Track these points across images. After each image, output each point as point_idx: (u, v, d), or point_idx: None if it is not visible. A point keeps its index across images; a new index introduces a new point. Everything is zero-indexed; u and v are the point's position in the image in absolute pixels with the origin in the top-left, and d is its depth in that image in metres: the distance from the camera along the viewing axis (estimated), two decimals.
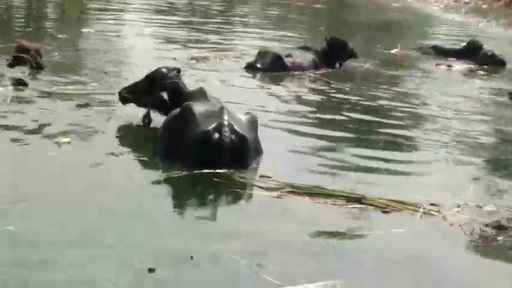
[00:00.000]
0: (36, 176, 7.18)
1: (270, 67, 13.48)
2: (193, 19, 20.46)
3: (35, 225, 6.11)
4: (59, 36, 15.58)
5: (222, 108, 7.93)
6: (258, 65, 13.46)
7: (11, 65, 11.64)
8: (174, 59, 13.56)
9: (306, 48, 14.54)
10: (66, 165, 7.55)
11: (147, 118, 9.16)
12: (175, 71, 9.15)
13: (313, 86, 12.95)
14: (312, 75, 13.63)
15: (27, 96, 10.24)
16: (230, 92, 11.44)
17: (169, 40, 16.33)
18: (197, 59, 13.92)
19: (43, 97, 10.22)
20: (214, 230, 6.34)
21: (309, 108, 11.08)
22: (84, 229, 6.08)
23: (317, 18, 23.72)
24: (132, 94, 9.31)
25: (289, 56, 13.88)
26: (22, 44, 12.10)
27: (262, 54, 13.72)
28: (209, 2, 25.51)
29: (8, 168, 7.34)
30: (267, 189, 7.25)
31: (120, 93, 9.45)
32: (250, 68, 13.49)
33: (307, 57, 14.14)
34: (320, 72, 13.88)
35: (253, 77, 13.24)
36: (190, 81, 9.46)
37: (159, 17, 20.25)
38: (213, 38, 17.16)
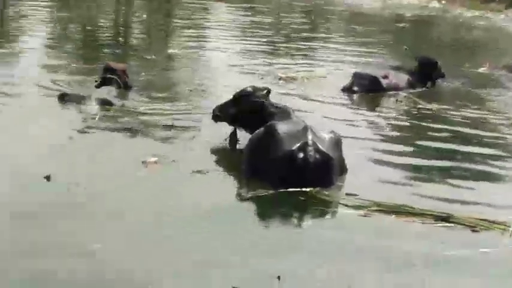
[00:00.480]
0: (126, 196, 7.34)
1: (367, 89, 13.24)
2: (277, 37, 20.55)
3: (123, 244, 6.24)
4: (145, 56, 15.80)
5: (306, 128, 7.98)
6: (355, 88, 13.21)
7: (99, 86, 11.89)
8: (262, 78, 13.62)
9: (398, 68, 14.29)
10: (154, 185, 7.69)
11: (233, 137, 9.23)
12: (265, 91, 9.21)
13: (405, 106, 12.73)
14: (404, 94, 13.39)
15: (113, 116, 10.46)
16: (318, 111, 11.44)
17: (254, 58, 16.42)
18: (285, 79, 13.91)
19: (129, 117, 10.42)
20: (301, 249, 6.35)
21: (398, 129, 10.93)
22: (172, 249, 6.18)
23: (400, 37, 23.52)
24: (222, 113, 9.41)
25: (385, 77, 13.61)
26: (109, 64, 12.33)
27: (358, 76, 13.48)
28: (293, 20, 25.60)
29: (97, 188, 7.49)
30: (353, 207, 7.26)
31: (213, 111, 9.57)
32: (347, 91, 13.24)
33: (402, 78, 13.88)
34: (414, 91, 13.63)
35: (344, 97, 13.07)
36: (279, 102, 9.48)
37: (243, 34, 20.41)
38: (297, 56, 17.18)
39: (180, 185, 7.72)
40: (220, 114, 9.46)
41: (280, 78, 13.90)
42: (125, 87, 12.02)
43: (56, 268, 5.74)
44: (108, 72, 12.02)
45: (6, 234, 6.31)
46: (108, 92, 11.65)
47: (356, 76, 13.49)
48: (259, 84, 10.78)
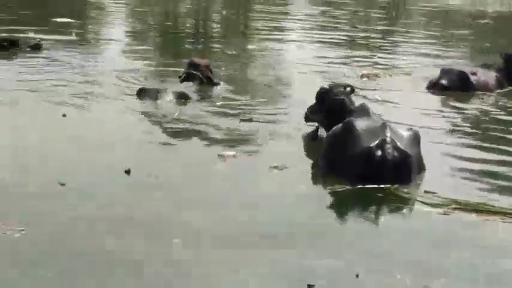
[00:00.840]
0: (203, 188, 7.43)
1: (455, 86, 12.83)
2: (357, 32, 20.44)
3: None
4: (226, 51, 15.89)
5: (384, 125, 7.95)
6: (443, 82, 12.84)
7: (183, 81, 11.99)
8: (344, 75, 13.59)
9: (487, 66, 13.61)
10: (231, 179, 7.77)
11: (314, 133, 9.25)
12: (349, 89, 9.20)
13: (490, 104, 12.38)
14: (491, 93, 13.02)
15: (192, 110, 10.57)
16: (401, 107, 11.38)
17: (334, 53, 16.36)
18: (368, 76, 13.81)
19: (208, 112, 10.53)
20: (378, 247, 6.32)
21: (480, 127, 10.70)
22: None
23: (482, 34, 23.11)
24: (311, 113, 9.49)
25: (474, 73, 13.11)
26: (193, 60, 12.41)
27: (446, 72, 13.10)
28: (373, 15, 25.44)
29: (175, 181, 7.60)
30: (432, 205, 7.21)
31: (305, 112, 9.64)
32: (433, 86, 12.92)
33: (490, 75, 13.31)
34: (501, 91, 13.25)
35: (428, 94, 12.83)
36: (362, 98, 9.46)
37: (323, 29, 20.35)
38: (377, 52, 17.06)
39: (257, 180, 7.76)
40: (310, 114, 9.51)
41: (362, 75, 13.79)
42: (208, 83, 12.07)
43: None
44: (191, 68, 12.10)
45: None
46: (190, 87, 11.73)
47: (443, 72, 13.10)
48: (342, 80, 10.74)
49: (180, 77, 12.15)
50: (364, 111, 8.49)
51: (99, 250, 5.94)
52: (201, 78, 12.01)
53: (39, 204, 6.73)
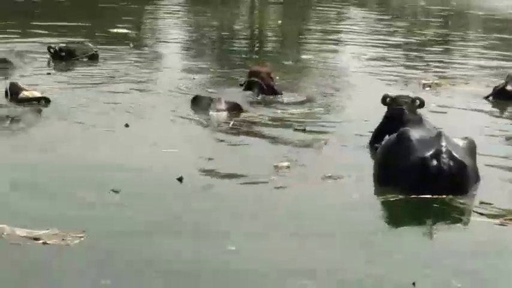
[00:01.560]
0: (257, 198, 7.53)
1: None
2: (414, 42, 20.34)
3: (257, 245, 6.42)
4: (282, 62, 15.94)
5: (439, 134, 7.93)
6: (509, 88, 12.38)
7: (245, 89, 12.02)
8: (405, 84, 13.55)
9: None
10: (285, 189, 7.86)
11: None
12: (418, 102, 9.22)
13: None
14: None
15: (247, 119, 10.69)
16: (461, 117, 11.38)
17: (390, 63, 16.34)
18: (429, 86, 13.63)
19: (262, 121, 10.64)
20: (434, 257, 6.32)
21: None
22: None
23: None
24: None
25: None
26: (254, 68, 12.48)
27: None
28: (429, 24, 25.22)
29: (229, 191, 7.73)
30: (488, 216, 7.19)
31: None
32: (498, 94, 12.52)
33: None
34: None
35: (491, 102, 12.59)
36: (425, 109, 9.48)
37: (379, 39, 20.29)
38: (435, 61, 16.92)
39: (310, 190, 7.84)
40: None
41: (424, 85, 13.66)
42: (269, 91, 12.06)
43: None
44: (253, 76, 12.12)
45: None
46: (248, 96, 11.79)
47: (510, 77, 12.64)
48: (404, 91, 10.72)
49: (241, 85, 12.19)
50: (418, 121, 8.50)
51: (156, 258, 6.05)
52: (262, 86, 11.99)
53: (96, 212, 6.89)
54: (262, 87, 12.00)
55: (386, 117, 9.12)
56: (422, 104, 9.24)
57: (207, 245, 6.29)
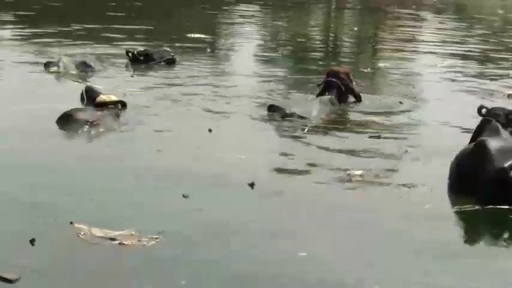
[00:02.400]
0: (330, 208, 7.53)
1: None
2: (493, 50, 20.06)
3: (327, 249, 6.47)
4: (360, 69, 15.85)
5: None
6: None
7: (322, 91, 11.93)
8: (491, 94, 13.40)
9: None
10: (357, 197, 7.92)
11: None
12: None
13: None
14: None
15: (322, 126, 10.78)
16: None
17: (469, 71, 16.15)
18: None
19: (336, 127, 10.70)
20: (506, 271, 6.29)
21: None
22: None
23: None
24: None
25: None
26: (332, 68, 12.38)
27: None
28: (505, 33, 24.87)
29: (305, 199, 7.76)
30: None
31: None
32: None
33: None
34: None
35: None
36: None
37: (456, 47, 20.05)
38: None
39: (383, 198, 7.87)
40: None
41: (509, 95, 13.39)
42: (348, 93, 11.97)
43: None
44: (330, 76, 11.95)
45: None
46: (325, 101, 11.68)
47: None
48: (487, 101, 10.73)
49: (319, 85, 12.10)
50: (495, 131, 8.41)
51: (230, 260, 6.16)
52: (340, 87, 11.85)
53: (170, 214, 7.04)
54: (341, 88, 11.86)
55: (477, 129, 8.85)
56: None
57: (280, 250, 6.34)
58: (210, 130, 9.98)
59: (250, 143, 9.72)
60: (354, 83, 12.20)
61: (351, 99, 12.15)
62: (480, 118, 8.90)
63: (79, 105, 10.81)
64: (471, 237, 7.12)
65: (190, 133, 9.97)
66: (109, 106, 10.86)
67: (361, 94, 12.26)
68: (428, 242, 6.68)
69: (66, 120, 10.00)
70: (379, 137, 10.09)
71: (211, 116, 10.86)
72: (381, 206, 7.59)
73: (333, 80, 11.89)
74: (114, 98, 11.06)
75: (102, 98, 10.97)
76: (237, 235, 6.65)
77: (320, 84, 12.10)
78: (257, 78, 14.39)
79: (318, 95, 11.95)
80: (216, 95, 12.37)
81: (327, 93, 11.85)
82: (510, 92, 13.59)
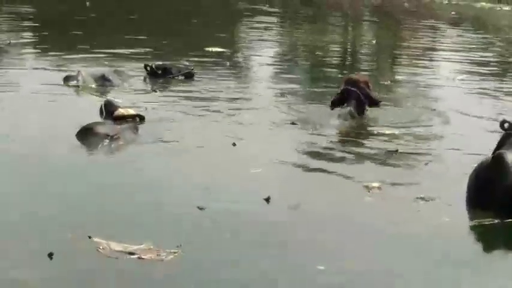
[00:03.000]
0: (347, 221, 7.57)
1: None
2: (509, 60, 20.00)
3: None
4: (381, 82, 15.84)
5: None
6: None
7: (338, 101, 11.84)
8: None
9: None
10: (374, 210, 7.93)
11: None
12: None
13: None
14: None
15: (341, 138, 10.88)
16: None
17: (489, 86, 16.05)
18: None
19: (358, 142, 10.80)
20: None
21: None
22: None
23: None
24: None
25: None
26: (350, 77, 12.29)
27: None
28: None
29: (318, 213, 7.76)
30: None
31: None
32: None
33: None
34: None
35: None
36: None
37: (474, 58, 20.01)
38: None
39: (400, 211, 7.87)
40: None
41: None
42: (367, 102, 11.87)
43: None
44: (349, 85, 11.83)
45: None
46: (343, 114, 11.68)
47: None
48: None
49: (338, 94, 11.95)
50: None
51: (247, 276, 6.19)
52: (359, 96, 11.75)
53: (187, 228, 7.09)
54: (359, 97, 11.74)
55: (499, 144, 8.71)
56: None
57: (298, 264, 6.37)
58: (234, 144, 10.01)
59: (270, 157, 9.67)
60: (373, 90, 12.14)
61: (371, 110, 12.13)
62: (503, 132, 8.76)
63: (98, 118, 10.86)
64: (489, 252, 7.09)
65: (211, 147, 10.01)
66: (127, 120, 10.91)
67: (381, 104, 12.20)
68: (445, 257, 6.69)
69: (86, 134, 10.05)
70: (396, 151, 10.07)
71: (232, 130, 10.87)
72: (395, 219, 7.60)
73: (352, 89, 11.75)
74: (132, 111, 11.12)
75: (121, 111, 11.03)
76: (253, 250, 6.69)
77: (339, 94, 11.94)
78: (276, 90, 14.41)
79: (332, 103, 11.80)
80: (236, 109, 12.41)
81: (345, 104, 11.78)
82: None
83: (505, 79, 17.24)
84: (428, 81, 16.59)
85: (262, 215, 7.54)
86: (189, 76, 14.92)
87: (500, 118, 9.36)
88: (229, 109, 12.33)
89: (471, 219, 7.73)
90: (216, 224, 7.19)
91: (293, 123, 11.23)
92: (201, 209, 7.48)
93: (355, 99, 11.74)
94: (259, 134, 10.92)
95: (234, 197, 7.97)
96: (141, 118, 11.05)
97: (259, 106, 12.66)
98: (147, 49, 18.37)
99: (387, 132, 11.24)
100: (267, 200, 7.83)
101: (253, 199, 7.89)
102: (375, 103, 12.00)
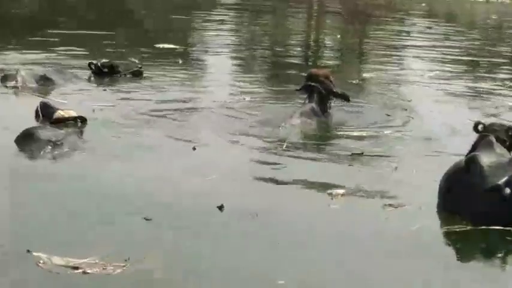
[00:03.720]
0: (308, 231, 7.56)
1: None
2: (483, 54, 20.13)
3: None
4: (347, 80, 15.86)
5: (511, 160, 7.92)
6: None
7: (299, 90, 12.04)
8: (496, 107, 13.50)
9: None
10: (338, 219, 7.93)
11: None
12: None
13: None
14: None
15: (303, 142, 10.91)
16: None
17: (461, 82, 16.37)
18: None
19: (320, 144, 10.88)
20: None
21: None
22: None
23: None
24: None
25: None
26: (312, 71, 12.45)
27: None
28: (499, 40, 25.05)
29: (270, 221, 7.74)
30: None
31: None
32: None
33: None
34: None
35: None
36: None
37: (443, 57, 20.18)
38: (508, 79, 16.80)
39: (368, 219, 7.89)
40: None
41: None
42: (330, 96, 12.00)
43: None
44: (310, 80, 12.01)
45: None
46: (306, 113, 11.72)
47: None
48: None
49: (297, 90, 12.14)
50: (488, 144, 8.36)
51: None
52: (321, 91, 11.92)
53: (136, 241, 7.05)
54: (321, 92, 11.90)
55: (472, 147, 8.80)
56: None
57: (256, 277, 6.38)
58: (194, 148, 10.02)
59: (226, 162, 9.69)
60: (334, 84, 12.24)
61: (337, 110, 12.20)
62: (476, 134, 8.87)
63: (41, 122, 10.81)
64: (461, 259, 7.13)
65: (163, 152, 9.98)
66: (68, 122, 10.87)
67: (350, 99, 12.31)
68: (416, 267, 6.73)
69: (26, 140, 9.93)
70: (361, 154, 10.14)
71: (185, 134, 10.85)
72: (362, 228, 7.61)
73: (313, 84, 11.93)
74: (73, 113, 11.05)
75: (60, 113, 10.98)
76: (205, 264, 6.66)
77: (299, 90, 12.14)
78: (232, 89, 14.48)
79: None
80: (189, 110, 12.40)
81: (306, 100, 11.92)
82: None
83: (477, 75, 17.38)
84: (398, 78, 16.75)
85: (216, 225, 7.53)
86: (137, 74, 14.87)
87: (475, 119, 9.43)
88: (181, 110, 12.29)
89: (443, 225, 7.78)
90: (165, 235, 7.18)
91: (250, 125, 11.24)
92: (147, 219, 7.46)
93: (317, 94, 11.91)
94: (213, 138, 10.89)
95: (185, 205, 7.95)
96: (83, 120, 10.98)
97: (213, 107, 12.64)
98: (92, 46, 18.27)
99: (354, 134, 11.31)
100: (220, 208, 7.81)
101: (206, 208, 7.85)
102: (341, 97, 12.12)
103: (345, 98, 12.24)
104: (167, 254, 6.71)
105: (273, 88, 15.09)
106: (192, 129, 11.18)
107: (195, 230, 7.35)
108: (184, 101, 13.03)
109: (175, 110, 12.30)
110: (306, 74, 12.44)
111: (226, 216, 7.73)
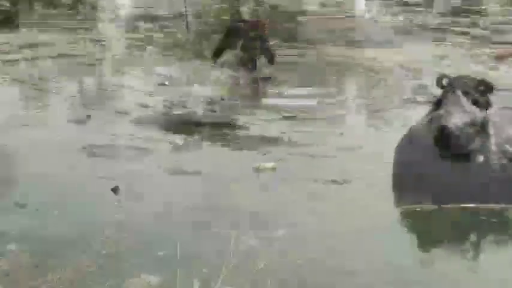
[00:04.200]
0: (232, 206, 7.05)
1: None
2: None
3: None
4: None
5: (485, 122, 7.34)
6: None
7: (218, 51, 12.05)
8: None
9: None
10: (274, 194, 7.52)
11: None
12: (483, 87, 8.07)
13: None
14: None
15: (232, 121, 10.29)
16: None
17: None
18: (502, 57, 12.93)
19: (251, 116, 10.39)
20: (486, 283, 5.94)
21: None
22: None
23: None
24: None
25: None
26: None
27: None
28: None
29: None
30: None
31: None
32: None
33: None
34: None
35: None
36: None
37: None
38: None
39: (308, 196, 7.42)
40: None
41: (497, 56, 13.06)
42: (261, 48, 11.85)
43: None
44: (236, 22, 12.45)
45: None
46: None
47: None
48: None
49: (222, 37, 12.04)
50: (456, 101, 7.57)
51: None
52: (248, 34, 11.72)
53: None
54: (248, 36, 11.69)
55: (435, 104, 8.07)
56: (489, 89, 8.06)
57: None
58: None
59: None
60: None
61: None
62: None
63: None
64: (423, 242, 6.75)
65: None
66: None
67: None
68: (372, 248, 6.36)
69: None
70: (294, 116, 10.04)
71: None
72: (300, 204, 7.21)
73: (239, 23, 12.10)
74: None
75: None
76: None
77: (224, 35, 12.08)
78: None
79: (214, 53, 11.99)
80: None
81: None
82: (500, 52, 13.16)
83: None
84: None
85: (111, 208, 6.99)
86: None
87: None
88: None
89: (399, 205, 7.24)
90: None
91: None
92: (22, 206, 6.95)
93: (243, 38, 11.74)
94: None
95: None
96: None
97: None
98: None
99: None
100: (115, 190, 7.32)
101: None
102: (268, 54, 11.93)
103: (271, 60, 12.05)
104: None
105: None
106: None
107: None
108: None
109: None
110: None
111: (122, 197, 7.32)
